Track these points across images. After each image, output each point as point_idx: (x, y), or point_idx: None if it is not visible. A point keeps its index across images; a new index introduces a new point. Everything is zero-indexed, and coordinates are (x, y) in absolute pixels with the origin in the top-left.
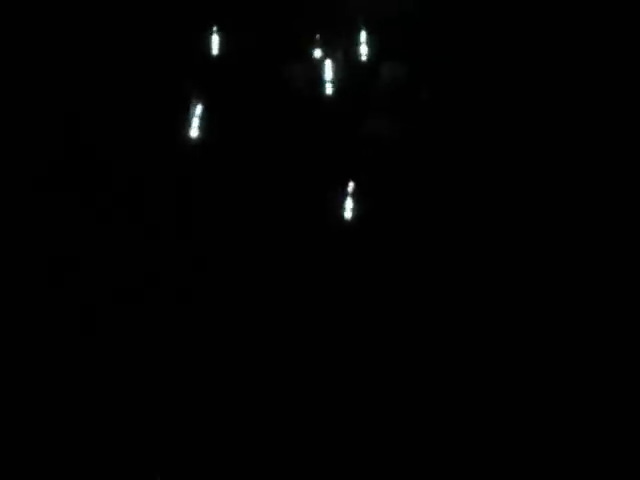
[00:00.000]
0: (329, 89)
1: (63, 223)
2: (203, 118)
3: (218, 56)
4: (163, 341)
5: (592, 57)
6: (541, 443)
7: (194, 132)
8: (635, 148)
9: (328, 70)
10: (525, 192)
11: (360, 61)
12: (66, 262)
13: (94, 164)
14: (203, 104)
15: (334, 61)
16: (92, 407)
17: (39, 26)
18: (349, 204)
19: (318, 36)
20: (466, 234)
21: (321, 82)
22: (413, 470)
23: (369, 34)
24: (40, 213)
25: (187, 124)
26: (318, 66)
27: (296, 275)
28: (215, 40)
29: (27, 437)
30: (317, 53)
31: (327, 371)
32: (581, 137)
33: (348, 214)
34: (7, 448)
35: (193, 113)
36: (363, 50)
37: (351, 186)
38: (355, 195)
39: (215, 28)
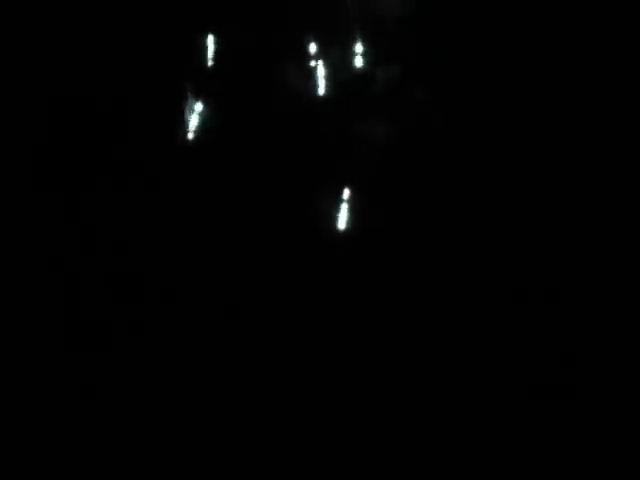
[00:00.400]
0: (323, 91)
1: (60, 222)
2: (198, 120)
3: (213, 58)
4: (159, 343)
5: (589, 58)
6: (541, 443)
7: (189, 134)
8: (635, 148)
9: (323, 72)
10: (524, 195)
11: (355, 63)
12: (64, 262)
13: (93, 163)
14: (198, 105)
15: (329, 63)
16: (91, 407)
17: (36, 25)
18: (344, 208)
19: (313, 38)
20: (466, 237)
21: (316, 84)
22: (413, 470)
23: (364, 36)
24: (37, 211)
25: (182, 125)
26: (313, 68)
27: (293, 282)
28: (210, 42)
29: (27, 437)
30: (312, 55)
31: (324, 379)
32: (578, 139)
33: (343, 219)
34: (7, 448)
35: (188, 114)
36: (358, 52)
37: (347, 191)
38: (351, 199)
39: (211, 30)
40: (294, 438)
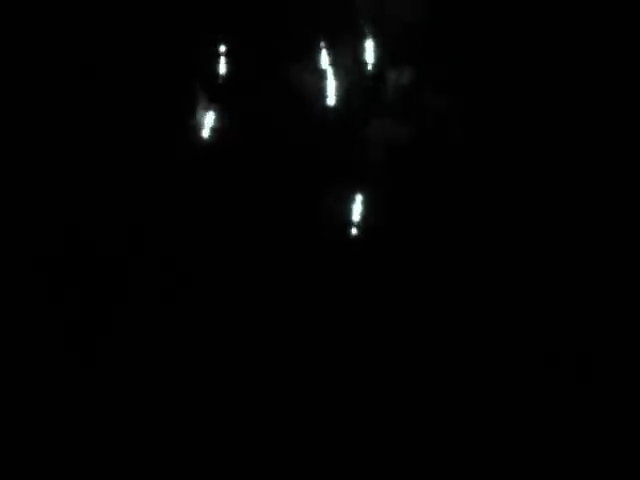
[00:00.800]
0: (335, 95)
1: (66, 223)
2: (211, 123)
3: (225, 62)
4: (159, 343)
5: (604, 63)
6: (541, 443)
7: (201, 138)
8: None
9: (335, 76)
10: (536, 197)
11: (367, 67)
12: (68, 262)
13: (99, 169)
14: (211, 110)
15: (341, 66)
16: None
17: (50, 35)
18: (357, 210)
19: (324, 42)
20: (475, 238)
21: (328, 88)
22: (413, 470)
23: (376, 39)
24: (42, 214)
25: (194, 130)
26: (325, 72)
27: (302, 282)
28: (222, 47)
29: (27, 437)
30: (324, 59)
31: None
32: (593, 143)
33: (356, 220)
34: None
35: (201, 119)
36: (370, 55)
37: (359, 193)
38: (363, 201)
39: (223, 36)
40: (296, 436)
